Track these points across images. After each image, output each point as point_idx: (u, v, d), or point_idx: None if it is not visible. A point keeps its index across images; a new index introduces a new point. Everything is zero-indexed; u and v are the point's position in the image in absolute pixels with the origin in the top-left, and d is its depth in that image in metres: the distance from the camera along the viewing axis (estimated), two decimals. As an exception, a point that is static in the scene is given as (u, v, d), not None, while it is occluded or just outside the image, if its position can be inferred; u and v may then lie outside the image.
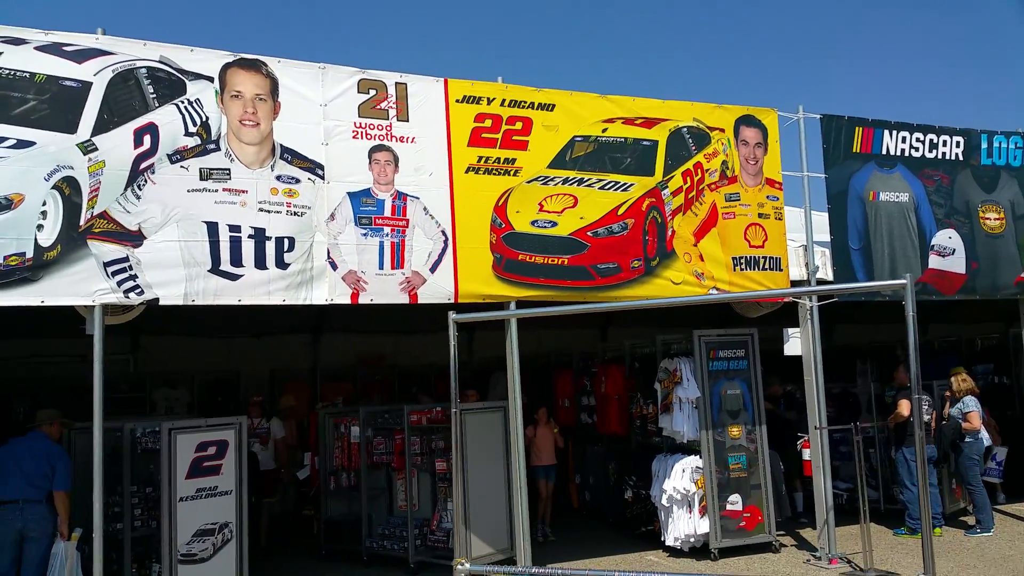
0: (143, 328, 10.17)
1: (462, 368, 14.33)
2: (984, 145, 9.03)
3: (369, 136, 6.76)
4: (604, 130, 7.61)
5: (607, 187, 7.50)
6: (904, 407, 8.63)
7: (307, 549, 9.20)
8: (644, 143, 7.70)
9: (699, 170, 7.84)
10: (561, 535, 9.36)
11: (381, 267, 6.64)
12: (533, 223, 7.21)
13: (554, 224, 7.25)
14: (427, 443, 8.44)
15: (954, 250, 8.68)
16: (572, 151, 7.50)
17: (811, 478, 8.23)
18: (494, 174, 7.16)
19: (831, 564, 7.72)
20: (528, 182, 7.29)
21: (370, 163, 6.74)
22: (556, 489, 9.84)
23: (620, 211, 7.46)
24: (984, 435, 9.25)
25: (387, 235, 6.70)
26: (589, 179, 7.48)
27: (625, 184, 7.56)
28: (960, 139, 8.91)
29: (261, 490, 8.91)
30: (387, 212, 6.74)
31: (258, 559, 7.78)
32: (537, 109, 7.35)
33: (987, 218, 8.92)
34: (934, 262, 8.57)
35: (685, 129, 7.86)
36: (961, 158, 8.91)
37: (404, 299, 6.67)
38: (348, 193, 6.63)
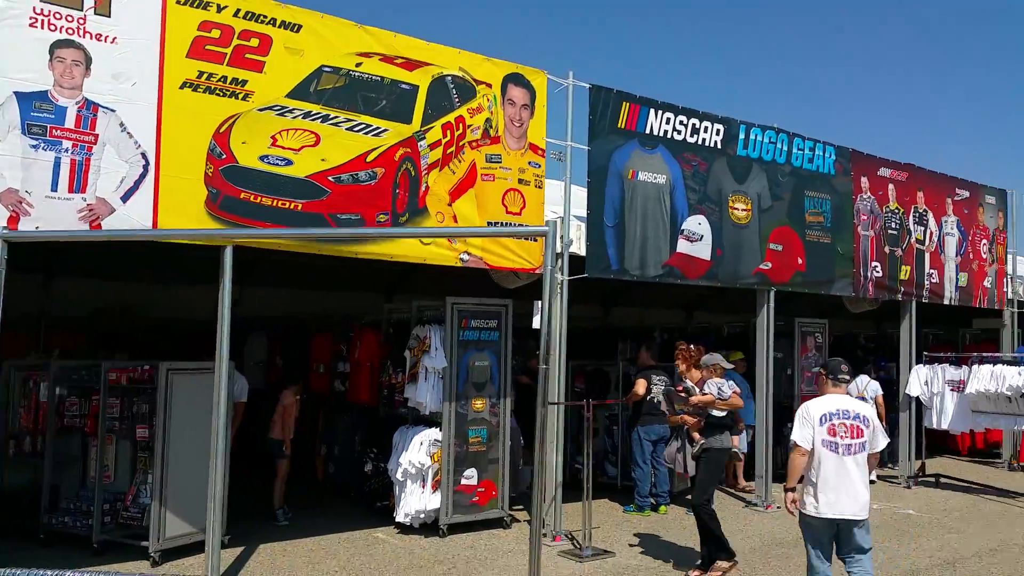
0: None
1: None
2: (742, 136, 9.31)
3: (53, 26, 5.45)
4: (358, 64, 6.80)
5: (357, 129, 6.71)
6: (640, 386, 8.76)
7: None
8: (403, 86, 6.99)
9: (461, 125, 7.28)
10: (300, 511, 8.58)
11: (54, 189, 5.41)
12: (263, 158, 6.26)
13: (289, 163, 6.35)
14: (129, 406, 7.26)
15: (702, 236, 8.88)
16: (318, 82, 6.61)
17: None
18: (218, 95, 6.11)
19: (554, 541, 7.62)
20: (261, 110, 6.32)
21: (51, 60, 5.45)
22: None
23: (369, 158, 6.71)
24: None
25: (66, 151, 5.46)
26: (336, 117, 6.64)
27: (377, 128, 6.81)
28: (721, 127, 9.11)
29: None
30: (69, 123, 5.49)
31: None
32: (279, 27, 6.37)
33: (736, 208, 9.23)
34: (682, 246, 8.70)
35: (450, 78, 7.25)
36: (720, 146, 9.12)
37: (84, 229, 5.48)
38: (16, 93, 5.31)
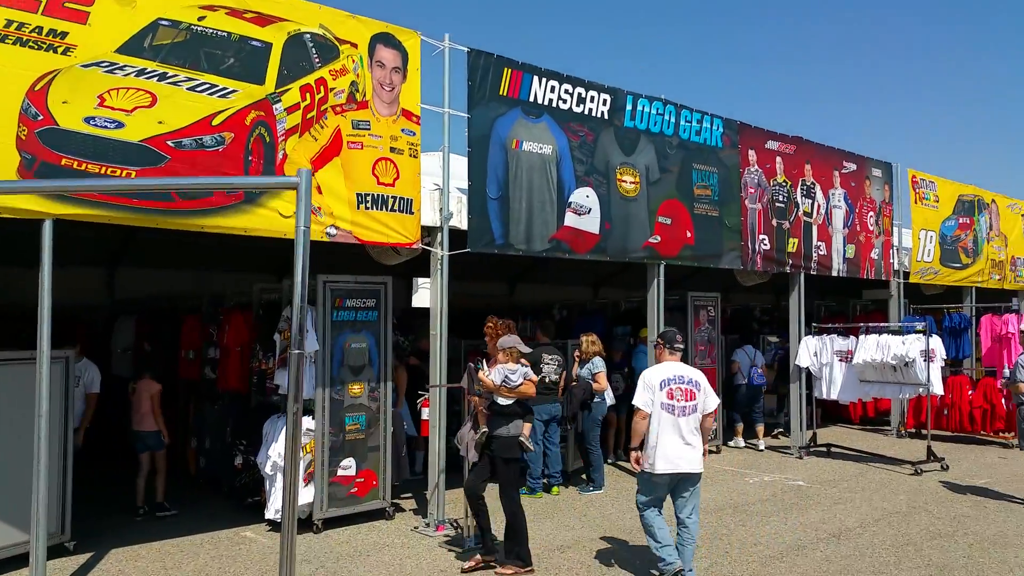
0: None
1: (90, 310, 12.01)
2: (629, 107, 9.06)
3: None
4: (201, 18, 6.12)
5: (200, 89, 6.05)
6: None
7: None
8: (254, 43, 6.36)
9: (322, 87, 6.70)
10: (174, 508, 7.93)
11: None
12: (88, 120, 5.54)
13: (120, 125, 5.64)
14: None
15: (590, 209, 8.59)
16: (154, 37, 5.91)
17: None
18: (32, 47, 5.36)
19: (437, 531, 7.22)
20: (85, 66, 5.58)
21: None
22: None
23: (216, 121, 6.07)
24: (608, 396, 9.47)
25: None
26: (176, 76, 5.96)
27: (225, 89, 6.16)
28: (608, 97, 8.83)
29: None
30: None
31: None
32: (105, -27, 5.65)
33: (624, 180, 8.98)
34: (570, 219, 8.39)
35: (308, 36, 6.65)
36: (607, 117, 8.84)
37: None
38: None
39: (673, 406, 5.59)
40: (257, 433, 7.83)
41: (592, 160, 8.66)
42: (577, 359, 9.19)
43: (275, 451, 7.30)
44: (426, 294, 7.52)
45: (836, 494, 8.89)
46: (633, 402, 5.70)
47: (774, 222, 10.92)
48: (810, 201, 11.51)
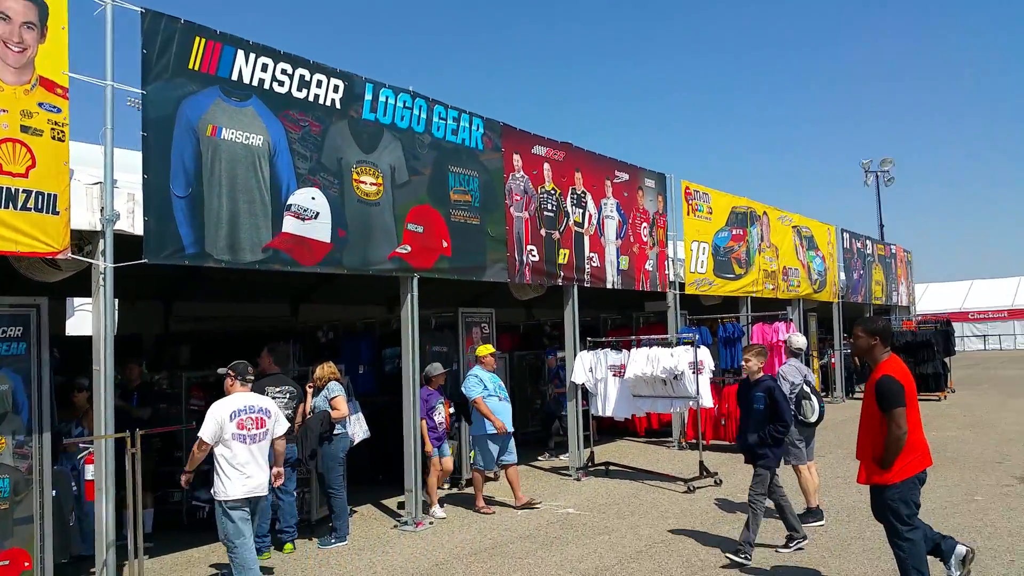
0: None
1: None
2: (369, 97, 7.92)
3: None
4: None
5: None
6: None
7: None
8: None
9: (-95, 40, 4.95)
10: None
11: None
12: None
13: None
14: None
15: (318, 214, 7.32)
16: None
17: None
18: None
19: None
20: None
21: None
22: None
23: None
24: (351, 429, 8.22)
25: None
26: None
27: None
28: (340, 83, 7.63)
29: None
30: None
31: None
32: None
33: (362, 181, 7.81)
34: (291, 225, 7.07)
35: None
36: (339, 106, 7.63)
37: None
38: None
39: (245, 436, 5.87)
40: None
41: (319, 156, 7.40)
42: (311, 388, 7.86)
43: None
44: (86, 318, 5.88)
45: (603, 523, 8.16)
46: (199, 432, 5.84)
47: (543, 232, 10.21)
48: (581, 211, 10.96)
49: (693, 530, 7.72)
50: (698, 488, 9.59)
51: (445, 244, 8.69)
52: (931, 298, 49.79)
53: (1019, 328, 45.88)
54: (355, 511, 9.05)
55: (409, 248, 8.21)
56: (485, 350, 9.12)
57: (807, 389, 7.70)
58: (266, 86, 6.98)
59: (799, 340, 8.66)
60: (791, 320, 13.41)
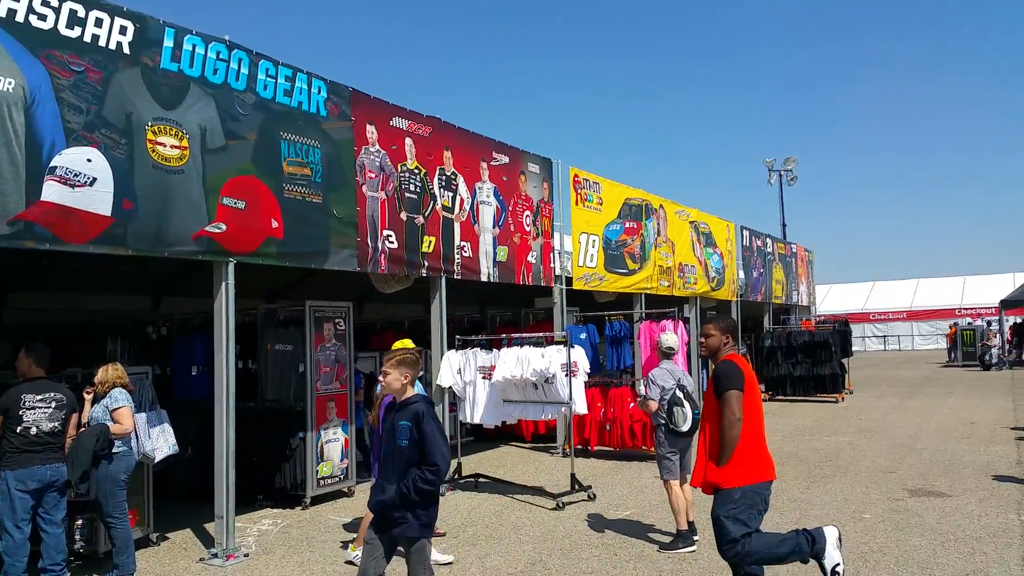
0: None
1: None
2: (169, 43, 6.56)
3: None
4: None
5: None
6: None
7: None
8: None
9: None
10: None
11: None
12: None
13: None
14: None
15: (95, 179, 5.94)
16: None
17: None
18: None
19: None
20: None
21: None
22: None
23: None
24: (150, 445, 6.86)
25: None
26: None
27: None
28: (129, 24, 6.25)
29: None
30: None
31: None
32: None
33: (160, 143, 6.46)
34: (53, 192, 5.68)
35: None
36: (128, 51, 6.26)
37: None
38: None
39: None
40: None
41: (100, 109, 6.02)
42: (88, 396, 6.46)
43: None
44: None
45: (454, 549, 7.05)
46: None
47: (404, 216, 9.03)
48: (451, 194, 9.83)
49: (550, 560, 6.69)
50: (569, 504, 8.60)
51: (276, 224, 7.41)
52: (834, 299, 51.05)
53: (916, 329, 47.43)
54: (167, 538, 7.69)
55: (224, 227, 6.90)
56: (401, 346, 7.50)
57: (680, 395, 6.86)
58: (19, 18, 5.56)
59: (669, 339, 7.67)
60: (682, 319, 12.63)
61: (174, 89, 6.60)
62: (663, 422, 6.94)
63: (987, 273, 49.22)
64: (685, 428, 6.78)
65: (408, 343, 7.28)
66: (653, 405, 7.09)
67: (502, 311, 14.51)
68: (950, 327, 38.07)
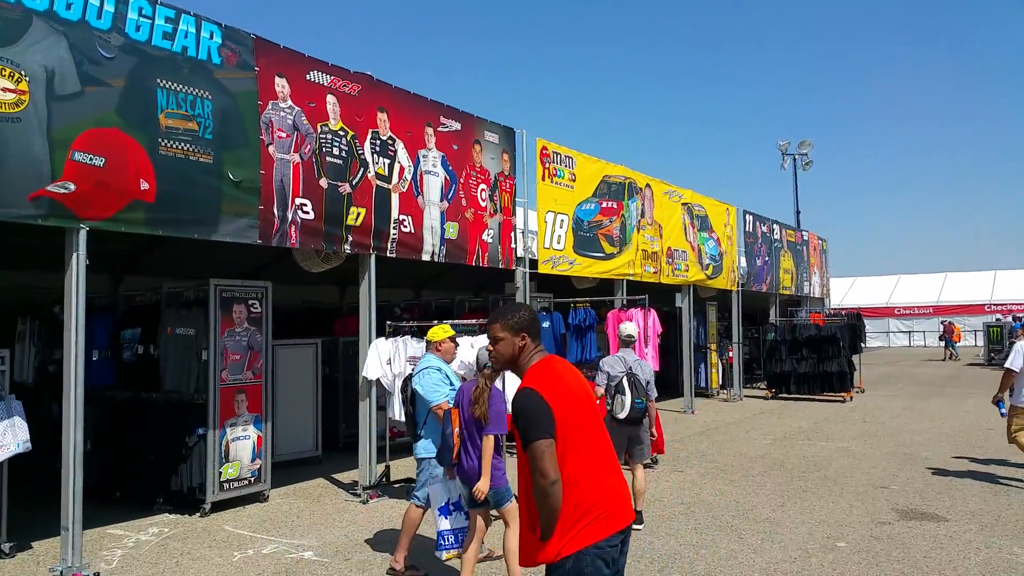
0: None
1: None
2: (2, -32, 5.52)
3: None
4: None
5: None
6: None
7: None
8: None
9: None
10: None
11: None
12: None
13: None
14: None
15: None
16: None
17: None
18: None
19: None
20: None
21: None
22: None
23: None
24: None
25: None
26: None
27: None
28: (-57, -59, 5.21)
29: None
30: None
31: None
32: None
33: (-15, 85, 5.42)
34: None
35: None
36: (-58, -26, 5.22)
37: None
38: None
39: None
40: None
41: None
42: None
43: None
44: None
45: (377, 566, 5.99)
46: None
47: (324, 183, 7.93)
48: (388, 161, 8.70)
49: (489, 568, 5.59)
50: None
51: (146, 186, 6.34)
52: (858, 292, 49.23)
53: (943, 325, 45.56)
54: (30, 547, 6.71)
55: (73, 187, 5.84)
56: (441, 333, 6.11)
57: (625, 383, 7.07)
58: None
59: (628, 327, 8.19)
60: (654, 307, 11.39)
61: (9, 23, 5.54)
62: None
63: (1018, 268, 47.09)
64: (621, 416, 6.98)
65: (447, 328, 6.16)
66: (599, 391, 7.20)
67: (471, 297, 13.41)
68: (941, 323, 37.18)
